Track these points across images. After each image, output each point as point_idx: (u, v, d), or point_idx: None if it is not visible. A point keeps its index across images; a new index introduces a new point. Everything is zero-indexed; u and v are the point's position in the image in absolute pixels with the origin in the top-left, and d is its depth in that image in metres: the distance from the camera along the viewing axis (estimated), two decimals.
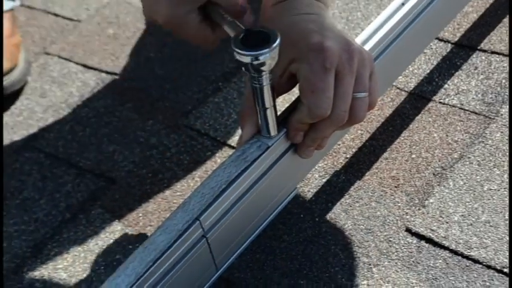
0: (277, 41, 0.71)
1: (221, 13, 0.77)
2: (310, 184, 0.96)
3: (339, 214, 0.91)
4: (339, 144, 0.99)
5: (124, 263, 0.74)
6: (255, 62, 0.71)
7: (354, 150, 0.99)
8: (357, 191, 0.94)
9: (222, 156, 1.03)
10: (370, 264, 0.85)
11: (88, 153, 1.08)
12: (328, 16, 0.80)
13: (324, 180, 0.96)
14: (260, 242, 0.91)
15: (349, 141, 1.00)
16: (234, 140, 1.05)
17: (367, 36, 0.90)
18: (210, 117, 1.09)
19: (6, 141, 1.14)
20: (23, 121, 1.17)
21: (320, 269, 0.86)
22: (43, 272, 0.94)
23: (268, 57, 0.71)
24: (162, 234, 0.75)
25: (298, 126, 0.80)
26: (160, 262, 0.74)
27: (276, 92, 0.78)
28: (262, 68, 0.73)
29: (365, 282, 0.84)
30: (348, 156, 0.98)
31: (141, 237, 0.95)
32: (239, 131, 1.05)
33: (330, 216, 0.92)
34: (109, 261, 0.94)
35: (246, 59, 0.71)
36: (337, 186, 0.95)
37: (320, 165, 0.97)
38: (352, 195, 0.93)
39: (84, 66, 1.26)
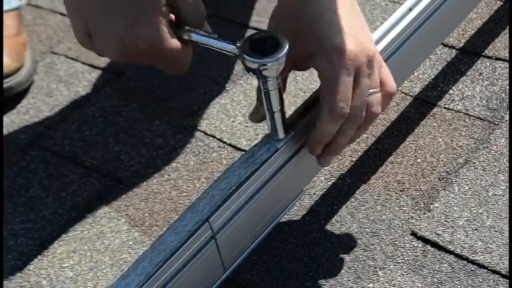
0: (286, 49, 0.72)
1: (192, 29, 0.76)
2: (316, 187, 0.97)
3: (344, 217, 0.92)
4: (345, 148, 1.00)
5: (133, 263, 0.75)
6: (262, 68, 0.72)
7: (359, 153, 1.00)
8: (362, 195, 0.94)
9: (228, 157, 1.04)
10: (375, 268, 0.86)
11: (94, 153, 1.09)
12: (354, 7, 0.80)
13: (330, 183, 0.97)
14: (266, 244, 0.92)
15: (355, 144, 1.01)
16: (239, 142, 1.05)
17: (374, 41, 0.91)
18: (216, 118, 1.10)
19: (13, 139, 1.15)
20: (30, 120, 1.18)
21: (326, 272, 0.87)
22: (49, 270, 0.95)
23: (276, 65, 0.72)
24: (171, 235, 0.76)
25: (323, 136, 0.80)
26: (170, 262, 0.75)
27: (295, 68, 0.82)
28: (269, 75, 0.73)
29: (371, 285, 0.85)
30: (353, 159, 0.99)
31: (148, 237, 0.96)
32: (245, 133, 1.06)
33: (335, 219, 0.92)
34: (115, 260, 0.94)
35: (253, 66, 0.72)
36: (342, 189, 0.96)
37: (326, 168, 0.98)
38: (358, 199, 0.94)
39: (91, 66, 1.26)
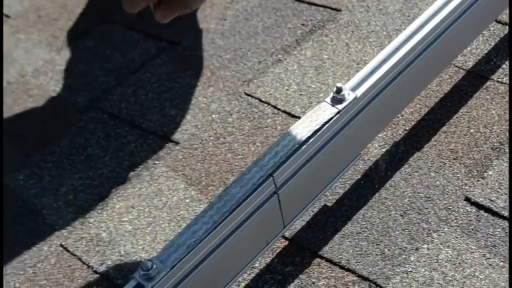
0: None
1: None
2: (370, 153, 0.99)
3: (398, 182, 0.95)
4: (398, 117, 1.02)
5: (200, 213, 0.78)
6: None
7: (412, 123, 1.02)
8: (416, 161, 0.97)
9: (282, 123, 1.06)
10: (429, 230, 0.88)
11: (151, 116, 1.12)
12: None
13: (384, 150, 0.99)
14: (321, 205, 0.94)
15: (408, 114, 1.03)
16: (294, 109, 1.08)
17: (432, 14, 0.93)
18: (271, 86, 1.12)
19: (70, 101, 1.18)
20: (86, 83, 1.21)
21: (380, 232, 0.90)
22: (109, 223, 0.98)
23: None
24: (237, 187, 0.79)
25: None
26: (235, 213, 0.78)
27: None
28: None
29: (425, 246, 0.87)
30: (406, 128, 1.01)
31: (204, 196, 0.99)
32: (299, 100, 1.08)
33: (389, 183, 0.95)
34: (173, 216, 0.97)
35: None
36: (396, 156, 0.98)
37: (380, 135, 1.00)
38: (412, 165, 0.96)
39: (146, 34, 1.29)
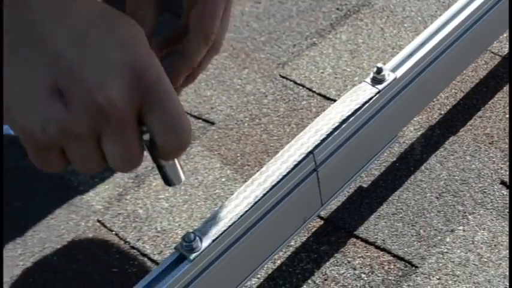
0: None
1: None
2: (405, 136, 0.99)
3: (434, 165, 0.95)
4: (434, 101, 1.03)
5: (241, 187, 0.79)
6: None
7: (448, 107, 1.02)
8: (451, 145, 0.97)
9: (317, 106, 1.07)
10: (465, 212, 0.89)
11: (186, 96, 1.13)
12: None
13: (419, 133, 1.00)
14: (356, 186, 0.95)
15: (444, 99, 1.03)
16: (329, 92, 1.09)
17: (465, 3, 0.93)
18: (306, 69, 1.13)
19: None
20: None
21: (416, 214, 0.90)
22: (145, 200, 1.00)
23: None
24: (278, 164, 0.80)
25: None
26: (276, 189, 0.79)
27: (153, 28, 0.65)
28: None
29: (461, 227, 0.87)
30: (442, 112, 1.02)
31: (240, 175, 1.00)
32: (334, 84, 1.09)
33: (425, 166, 0.95)
34: (208, 194, 0.98)
35: None
36: (432, 140, 0.98)
37: (415, 119, 1.01)
38: (447, 149, 0.97)
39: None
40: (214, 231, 0.75)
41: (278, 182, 0.79)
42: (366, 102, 0.84)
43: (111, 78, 0.47)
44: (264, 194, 0.78)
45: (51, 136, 0.48)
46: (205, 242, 0.74)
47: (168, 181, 0.56)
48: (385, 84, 0.85)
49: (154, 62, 0.50)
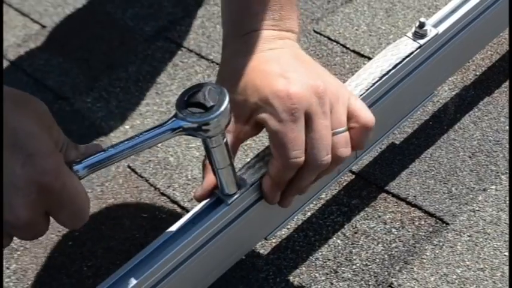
0: (225, 104, 0.62)
1: None
2: (440, 96, 0.99)
3: (467, 125, 0.95)
4: (469, 62, 1.02)
5: None
6: (204, 128, 0.62)
7: (483, 68, 1.02)
8: (486, 106, 0.97)
9: (351, 62, 1.07)
10: (498, 172, 0.89)
11: (218, 48, 1.13)
12: (295, 47, 0.73)
13: (453, 93, 0.99)
14: (388, 142, 0.95)
15: (479, 60, 1.03)
16: (363, 49, 1.08)
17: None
18: (340, 25, 1.12)
19: (137, 30, 1.19)
20: (154, 14, 1.22)
21: (448, 172, 0.90)
22: (176, 148, 1.00)
23: (215, 123, 0.62)
24: None
25: (276, 187, 0.72)
26: None
27: (242, 139, 0.72)
28: (211, 134, 0.63)
29: (493, 187, 0.88)
30: (477, 73, 1.01)
31: None
32: (368, 41, 1.09)
33: (458, 126, 0.95)
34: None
35: (194, 126, 0.62)
36: (466, 100, 0.98)
37: (450, 79, 1.01)
38: (481, 109, 0.96)
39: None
40: (253, 179, 0.75)
41: None
42: (406, 57, 0.84)
43: (18, 198, 0.55)
44: None
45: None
46: (243, 188, 0.74)
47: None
48: (426, 39, 0.84)
49: (59, 170, 0.57)
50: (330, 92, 0.68)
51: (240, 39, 0.72)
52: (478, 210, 0.86)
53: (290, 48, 0.72)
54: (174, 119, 0.63)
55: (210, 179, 0.71)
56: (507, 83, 0.99)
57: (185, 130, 0.63)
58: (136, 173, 0.99)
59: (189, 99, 0.63)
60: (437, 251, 0.83)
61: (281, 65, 0.69)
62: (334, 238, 0.87)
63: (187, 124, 0.62)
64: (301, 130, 0.67)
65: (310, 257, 0.86)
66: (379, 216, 0.88)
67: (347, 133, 0.70)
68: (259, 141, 0.99)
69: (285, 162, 0.68)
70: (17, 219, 0.56)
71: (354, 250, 0.85)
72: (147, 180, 0.98)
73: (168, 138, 0.64)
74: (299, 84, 0.67)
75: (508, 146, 0.91)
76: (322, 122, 0.68)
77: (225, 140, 0.65)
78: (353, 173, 0.93)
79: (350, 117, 0.71)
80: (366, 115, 0.72)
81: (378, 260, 0.84)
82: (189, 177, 0.97)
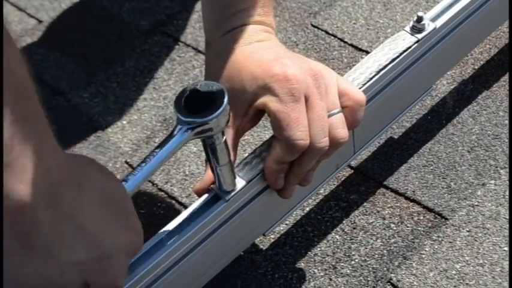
0: (225, 103, 0.62)
1: None
2: (438, 90, 0.99)
3: (466, 119, 0.95)
4: (467, 56, 1.02)
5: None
6: (204, 128, 0.63)
7: (481, 62, 1.01)
8: (484, 100, 0.96)
9: (348, 56, 1.06)
10: (497, 167, 0.89)
11: None
12: (277, 40, 0.76)
13: (452, 87, 0.99)
14: (387, 137, 0.95)
15: (477, 54, 1.02)
16: (361, 43, 1.08)
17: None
18: (338, 19, 1.12)
19: (135, 24, 1.19)
20: (150, 8, 1.21)
21: (447, 166, 0.90)
22: None
23: (215, 121, 0.63)
24: None
25: (279, 168, 0.72)
26: None
27: (241, 132, 0.73)
28: (210, 133, 0.64)
29: (492, 182, 0.87)
30: (475, 67, 1.01)
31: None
32: (366, 35, 1.08)
33: (457, 120, 0.95)
34: None
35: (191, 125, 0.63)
36: (464, 94, 0.98)
37: (448, 73, 1.00)
38: (480, 103, 0.96)
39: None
40: (251, 176, 0.74)
41: None
42: (404, 51, 0.83)
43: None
44: None
45: None
46: (240, 184, 0.74)
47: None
48: (424, 33, 0.84)
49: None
50: (322, 75, 0.71)
51: (227, 36, 0.74)
52: (477, 205, 0.86)
53: (275, 40, 0.75)
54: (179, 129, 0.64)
55: (212, 173, 0.72)
56: (506, 77, 0.99)
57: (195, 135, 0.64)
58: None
59: (186, 102, 0.63)
60: (436, 247, 0.83)
61: (273, 52, 0.72)
62: (333, 234, 0.87)
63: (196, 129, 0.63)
64: (303, 111, 0.69)
65: (309, 252, 0.85)
66: (378, 212, 0.88)
67: (342, 114, 0.72)
68: (257, 136, 0.98)
69: (289, 143, 0.69)
70: None
71: (352, 246, 0.85)
72: None
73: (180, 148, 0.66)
74: (295, 67, 0.69)
75: (507, 140, 0.91)
76: (319, 102, 0.69)
77: (224, 137, 0.66)
78: (351, 168, 0.93)
79: (341, 96, 0.72)
80: (357, 92, 0.74)
81: (376, 256, 0.84)
82: (187, 172, 0.96)
